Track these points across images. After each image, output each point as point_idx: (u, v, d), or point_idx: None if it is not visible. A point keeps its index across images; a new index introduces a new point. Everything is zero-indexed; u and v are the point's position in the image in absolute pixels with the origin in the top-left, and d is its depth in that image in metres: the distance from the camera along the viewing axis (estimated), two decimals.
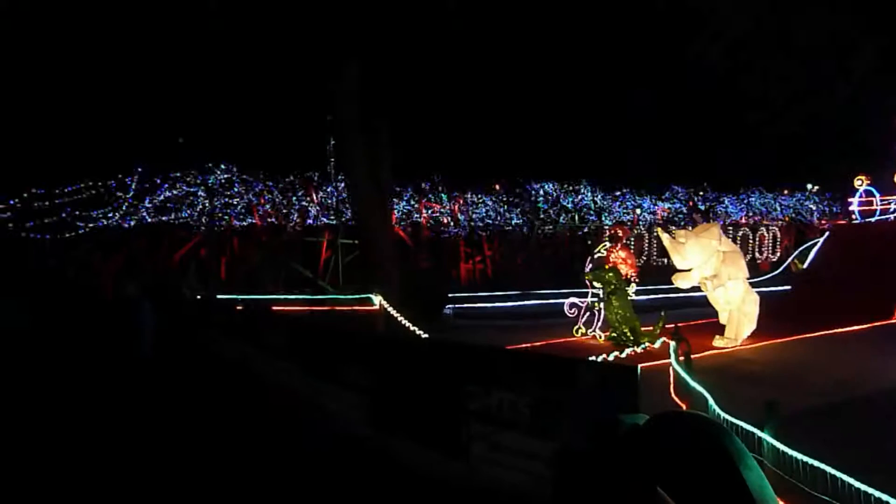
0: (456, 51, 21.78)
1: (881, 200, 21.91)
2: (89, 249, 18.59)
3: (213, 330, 12.48)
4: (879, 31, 24.66)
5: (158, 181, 19.57)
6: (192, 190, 19.86)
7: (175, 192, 19.72)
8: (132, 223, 19.40)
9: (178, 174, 19.81)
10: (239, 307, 12.69)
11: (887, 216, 21.66)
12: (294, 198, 21.36)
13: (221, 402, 8.62)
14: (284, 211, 21.19)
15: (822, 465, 4.17)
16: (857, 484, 3.87)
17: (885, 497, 3.65)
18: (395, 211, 22.17)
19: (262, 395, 9.31)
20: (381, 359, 7.70)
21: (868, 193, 22.09)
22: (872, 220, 21.81)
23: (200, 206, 19.94)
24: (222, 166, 20.37)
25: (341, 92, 16.01)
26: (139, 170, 19.30)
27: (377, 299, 14.29)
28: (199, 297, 15.82)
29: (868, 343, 12.96)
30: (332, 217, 21.78)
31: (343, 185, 19.97)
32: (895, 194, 21.74)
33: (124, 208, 19.17)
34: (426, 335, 12.64)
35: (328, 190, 21.86)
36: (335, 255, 21.44)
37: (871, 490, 3.78)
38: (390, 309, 13.90)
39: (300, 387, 9.15)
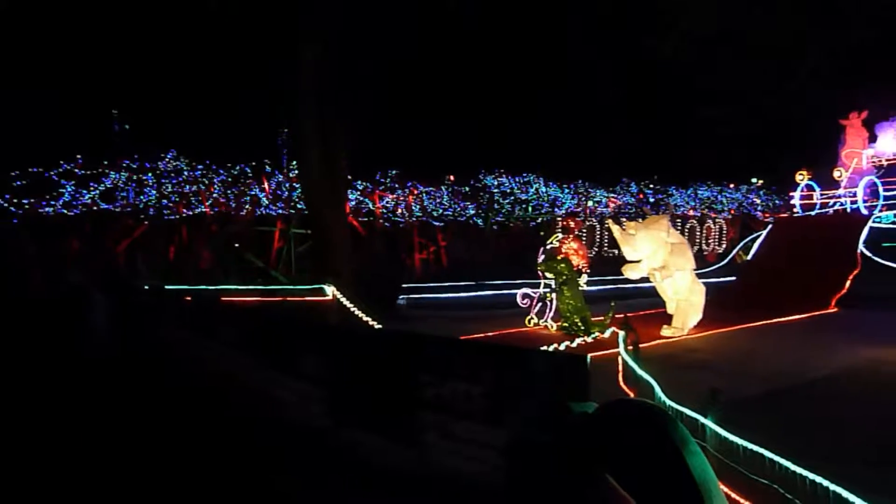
0: (413, 41, 21.71)
1: (821, 195, 22.71)
2: (22, 238, 17.89)
3: (161, 322, 12.19)
4: (824, 31, 25.52)
5: (103, 168, 18.96)
6: (140, 177, 19.30)
7: (121, 179, 19.13)
8: (77, 211, 18.77)
9: (126, 161, 19.23)
10: (188, 298, 12.40)
11: (826, 210, 22.48)
12: (245, 187, 20.96)
13: (171, 398, 8.43)
14: (235, 200, 20.78)
15: (761, 450, 4.33)
16: (793, 467, 4.03)
17: (818, 479, 3.81)
18: (350, 201, 22.00)
19: (214, 388, 9.14)
20: (335, 350, 7.65)
21: (809, 188, 22.85)
22: (812, 213, 22.61)
23: (148, 195, 19.40)
24: (171, 153, 19.86)
25: (296, 80, 15.75)
26: (80, 159, 18.66)
27: (330, 290, 14.18)
28: (146, 287, 15.42)
29: (808, 332, 13.48)
30: (285, 206, 21.47)
31: (296, 173, 19.70)
32: (834, 189, 22.57)
33: (67, 196, 18.52)
34: (380, 326, 12.61)
35: (281, 179, 21.53)
36: (288, 245, 21.17)
37: (806, 472, 3.95)
38: (344, 299, 13.81)
39: (253, 379, 9.03)
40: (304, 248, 20.76)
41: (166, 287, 13.55)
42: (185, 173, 20.01)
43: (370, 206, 23.47)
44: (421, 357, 6.44)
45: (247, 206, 20.95)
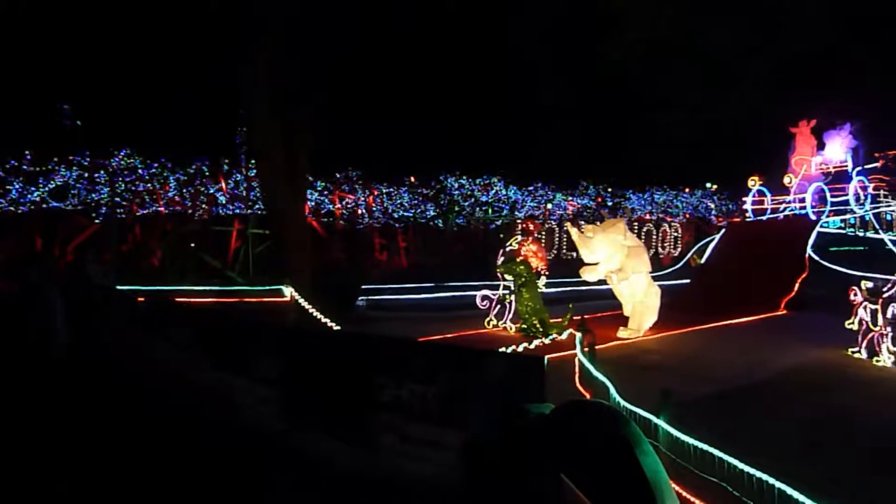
0: (373, 41, 21.63)
1: (772, 200, 23.34)
2: None
3: (112, 322, 11.87)
4: (771, 40, 26.30)
5: (53, 165, 18.38)
6: (92, 175, 18.76)
7: (72, 177, 18.56)
8: (26, 209, 18.15)
9: (77, 158, 18.67)
10: (141, 298, 12.10)
11: (777, 215, 23.12)
12: (202, 185, 20.56)
13: (117, 400, 8.22)
14: (191, 198, 20.37)
15: (711, 449, 4.43)
16: (741, 465, 4.13)
17: (764, 476, 3.92)
18: (309, 201, 21.77)
19: (165, 389, 8.94)
20: (291, 351, 7.55)
21: (760, 193, 23.45)
22: (764, 218, 23.23)
23: (100, 193, 18.87)
24: (124, 151, 19.36)
25: (253, 75, 15.51)
26: (28, 155, 18.05)
27: (288, 290, 14.00)
28: (97, 287, 15.00)
29: (758, 334, 13.85)
30: (243, 206, 21.14)
31: (255, 172, 19.40)
32: (784, 194, 23.22)
33: (14, 194, 17.90)
34: (338, 327, 12.51)
35: (239, 178, 21.19)
36: (245, 245, 20.85)
37: (753, 471, 4.05)
38: (302, 300, 13.65)
39: (206, 380, 8.85)
40: (262, 248, 20.46)
41: (118, 287, 13.21)
42: (140, 171, 19.51)
43: (330, 206, 23.27)
44: (378, 359, 6.40)
45: (203, 206, 20.55)
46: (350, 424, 6.44)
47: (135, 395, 8.45)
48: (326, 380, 6.77)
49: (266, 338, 8.24)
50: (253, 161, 19.36)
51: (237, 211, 21.16)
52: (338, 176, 23.48)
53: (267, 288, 14.48)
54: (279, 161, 15.91)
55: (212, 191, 20.73)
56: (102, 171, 18.89)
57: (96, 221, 18.98)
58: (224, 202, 20.96)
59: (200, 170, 20.54)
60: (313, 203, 22.55)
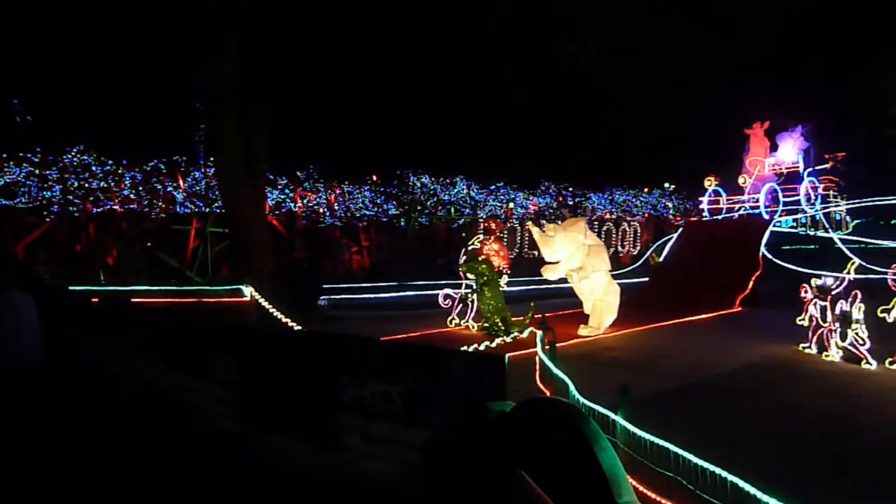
0: (335, 39, 21.49)
1: (727, 200, 23.88)
2: None
3: (64, 324, 11.55)
4: (726, 44, 26.96)
5: (1, 162, 17.77)
6: (43, 172, 18.20)
7: (21, 174, 17.98)
8: None
9: (28, 154, 18.08)
10: (94, 299, 11.81)
11: (732, 214, 23.67)
12: (159, 183, 20.14)
13: (74, 405, 7.99)
14: (148, 196, 19.93)
15: (666, 444, 4.52)
16: (695, 459, 4.23)
17: (717, 470, 4.02)
18: (269, 199, 21.52)
19: (121, 391, 8.74)
20: (251, 351, 7.46)
21: (716, 193, 23.97)
22: (719, 217, 23.76)
23: (52, 191, 18.33)
24: (77, 147, 18.84)
25: (213, 72, 15.25)
26: None
27: (248, 290, 13.82)
28: (49, 287, 14.59)
29: (714, 330, 14.16)
30: (202, 204, 20.78)
31: (213, 170, 19.08)
32: (739, 194, 23.79)
33: None
34: (299, 327, 12.40)
35: (197, 176, 20.82)
36: (204, 244, 20.51)
37: (706, 464, 4.15)
38: (262, 300, 13.49)
39: (165, 383, 8.70)
40: (221, 247, 20.16)
41: (71, 287, 12.87)
42: (93, 168, 19.01)
43: (291, 205, 23.04)
44: (340, 358, 6.38)
45: (160, 204, 20.14)
46: (312, 425, 6.40)
47: (87, 398, 8.23)
48: (287, 380, 6.72)
49: (225, 338, 8.13)
50: (211, 159, 19.05)
51: (196, 209, 20.79)
52: (299, 174, 23.27)
53: (226, 287, 14.27)
54: (238, 159, 15.69)
55: (169, 189, 20.33)
56: (54, 169, 18.35)
57: (47, 220, 18.45)
58: (182, 200, 20.57)
59: (157, 167, 20.12)
60: (274, 202, 22.31)
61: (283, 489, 5.68)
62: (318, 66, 22.70)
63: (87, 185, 18.83)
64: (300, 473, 5.99)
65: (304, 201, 23.35)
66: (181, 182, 20.47)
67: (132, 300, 12.34)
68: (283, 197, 22.79)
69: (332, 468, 5.99)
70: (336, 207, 23.85)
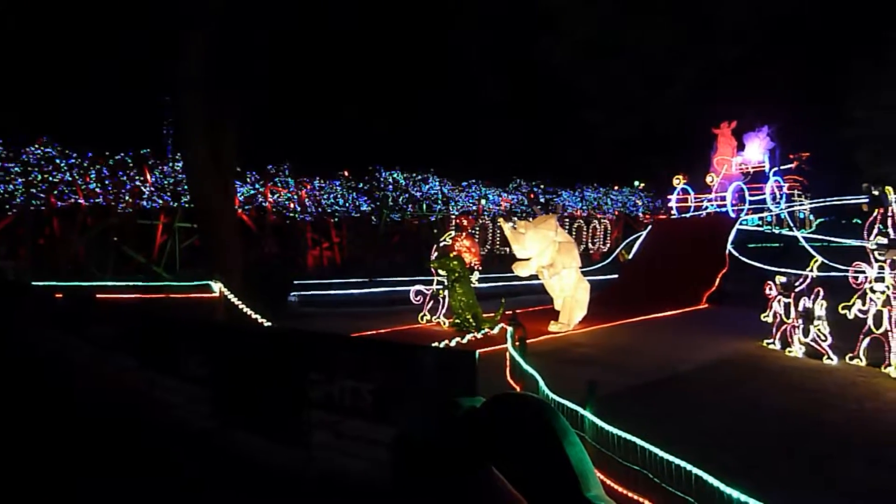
0: (308, 34, 21.31)
1: (695, 198, 24.27)
2: None
3: (26, 321, 11.30)
4: (695, 45, 27.38)
5: None
6: (4, 165, 17.75)
7: None
8: None
9: None
10: (59, 295, 11.57)
11: (700, 212, 24.06)
12: (125, 177, 19.78)
13: (39, 404, 7.84)
14: (114, 191, 19.56)
15: (633, 438, 4.59)
16: (661, 453, 4.31)
17: (681, 463, 4.10)
18: (239, 194, 21.27)
19: (87, 389, 8.59)
20: (220, 348, 7.38)
21: (684, 191, 24.35)
22: (687, 215, 24.13)
23: (14, 184, 17.89)
24: (42, 140, 18.41)
25: (181, 66, 15.00)
26: None
27: (217, 286, 13.66)
28: (10, 283, 14.25)
29: (681, 327, 14.39)
30: (171, 199, 20.47)
31: (181, 164, 18.79)
32: (707, 193, 24.19)
33: None
34: (269, 323, 12.29)
35: (165, 170, 20.49)
36: (172, 240, 20.21)
37: (670, 457, 4.23)
38: (231, 296, 13.34)
39: (133, 380, 8.56)
40: (189, 242, 19.88)
41: (34, 283, 12.59)
42: (58, 161, 18.59)
43: (261, 200, 22.81)
44: (309, 355, 6.34)
45: (127, 198, 19.79)
46: (282, 422, 6.35)
47: (53, 396, 8.08)
48: (257, 377, 6.66)
49: (195, 335, 8.03)
50: (179, 154, 18.77)
51: (163, 203, 20.47)
52: (270, 169, 23.05)
53: (194, 283, 14.08)
54: (207, 153, 15.45)
55: (136, 183, 19.98)
56: (16, 161, 17.91)
57: (9, 214, 18.01)
58: (149, 195, 20.24)
59: (123, 161, 19.75)
60: (244, 197, 22.07)
61: (254, 486, 5.64)
62: (291, 61, 22.51)
63: (50, 178, 18.42)
64: (270, 471, 5.95)
65: (275, 197, 23.13)
66: (148, 176, 20.13)
67: (98, 296, 12.12)
68: (253, 192, 22.55)
69: (301, 465, 5.96)
70: (307, 203, 23.68)
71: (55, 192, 18.54)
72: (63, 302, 11.42)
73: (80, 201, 19.04)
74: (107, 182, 19.43)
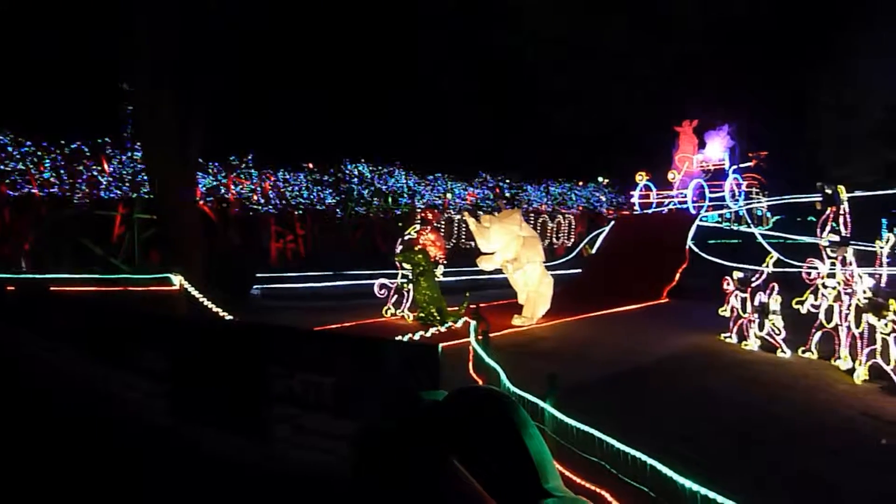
0: (274, 21, 21.01)
1: (657, 194, 24.64)
2: None
3: None
4: (657, 43, 27.80)
5: None
6: None
7: None
8: None
9: None
10: (10, 287, 11.22)
11: (662, 209, 24.44)
12: (82, 167, 19.26)
13: None
14: (70, 180, 19.04)
15: (591, 430, 4.67)
16: (618, 444, 4.39)
17: (638, 454, 4.18)
18: (201, 185, 20.91)
19: (38, 388, 8.37)
20: (179, 342, 7.25)
21: (647, 188, 24.70)
22: (649, 211, 24.49)
23: None
24: None
25: (134, 49, 14.65)
26: None
27: (177, 279, 13.43)
28: None
29: (642, 321, 14.63)
30: (129, 189, 20.01)
31: (141, 154, 18.37)
32: (668, 189, 24.58)
33: None
34: (230, 317, 12.13)
35: (123, 159, 20.01)
36: (130, 231, 19.76)
37: (628, 449, 4.31)
38: (192, 289, 13.13)
39: (87, 376, 8.36)
40: (149, 234, 19.46)
41: None
42: (9, 149, 18.01)
43: (223, 191, 22.45)
44: (271, 348, 6.28)
45: (83, 188, 19.29)
46: (242, 416, 6.28)
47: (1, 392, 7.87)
48: (217, 371, 6.57)
49: (153, 328, 7.87)
50: (139, 143, 18.34)
51: (121, 194, 20.01)
52: (232, 160, 22.70)
53: (154, 276, 13.81)
54: (167, 142, 15.15)
55: (93, 172, 19.49)
56: None
57: None
58: (106, 185, 19.75)
59: (80, 149, 19.24)
60: (205, 188, 21.70)
61: (213, 481, 5.57)
62: (256, 52, 22.17)
63: (2, 167, 17.85)
64: (230, 466, 5.89)
65: (238, 188, 22.80)
66: (106, 166, 19.65)
67: (52, 288, 11.80)
68: (215, 183, 22.18)
69: (262, 460, 5.91)
70: (271, 195, 23.40)
71: (7, 181, 17.97)
72: (15, 294, 11.09)
73: (34, 191, 18.49)
74: (62, 171, 18.91)
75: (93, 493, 5.39)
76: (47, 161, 18.64)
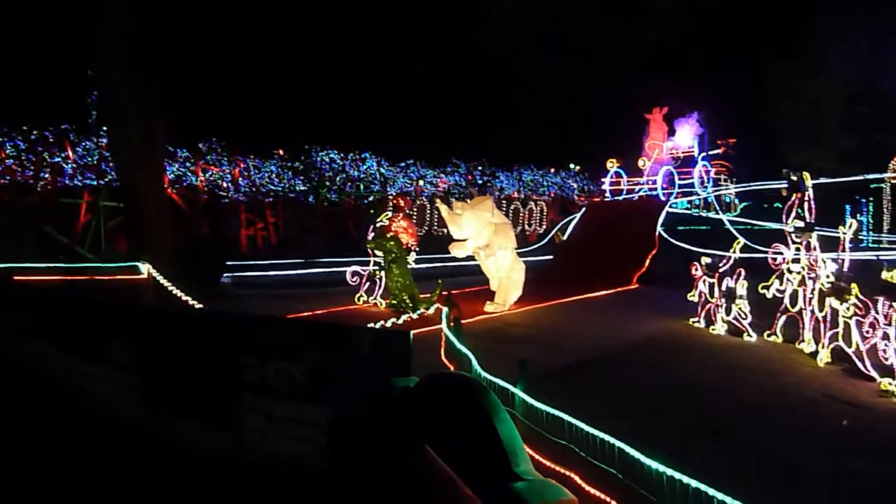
0: (242, 9, 20.66)
1: (628, 181, 24.87)
2: None
3: None
4: (628, 31, 27.96)
5: None
6: None
7: None
8: None
9: None
10: None
11: (632, 195, 24.68)
12: (45, 153, 18.81)
13: None
14: (33, 168, 18.59)
15: (560, 414, 4.73)
16: (587, 428, 4.46)
17: (606, 437, 4.25)
18: (169, 172, 20.56)
19: (4, 382, 8.20)
20: (148, 332, 7.16)
21: (617, 175, 24.89)
22: (620, 198, 24.72)
23: None
24: None
25: (102, 33, 14.31)
26: None
27: (145, 267, 13.22)
28: None
29: (612, 306, 14.80)
30: (95, 176, 19.60)
31: (107, 141, 17.99)
32: (639, 176, 24.82)
33: None
34: (200, 305, 12.00)
35: (89, 146, 19.59)
36: (96, 219, 19.39)
37: (596, 432, 4.38)
38: (160, 278, 12.94)
39: (55, 368, 8.22)
40: (115, 222, 19.12)
41: None
42: None
43: (192, 178, 22.12)
44: (241, 337, 6.23)
45: (47, 175, 18.85)
46: (213, 406, 6.24)
47: None
48: (187, 361, 6.50)
49: (120, 318, 7.76)
50: (105, 128, 17.95)
51: (87, 181, 19.60)
52: (201, 147, 22.35)
53: (121, 265, 13.58)
54: (134, 128, 14.86)
55: (56, 159, 19.05)
56: None
57: None
58: (71, 172, 19.33)
59: (43, 135, 18.78)
60: (173, 175, 21.36)
61: (185, 473, 5.53)
62: (225, 37, 21.79)
63: None
64: (202, 456, 5.85)
65: (207, 175, 22.47)
66: (70, 152, 19.22)
67: (15, 278, 11.55)
68: (183, 170, 21.83)
69: (235, 450, 5.88)
70: (240, 182, 23.11)
71: None
72: None
73: None
74: (25, 158, 18.45)
75: (56, 489, 5.30)
76: (9, 147, 18.17)
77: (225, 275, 17.06)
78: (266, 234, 24.12)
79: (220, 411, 6.16)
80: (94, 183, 19.58)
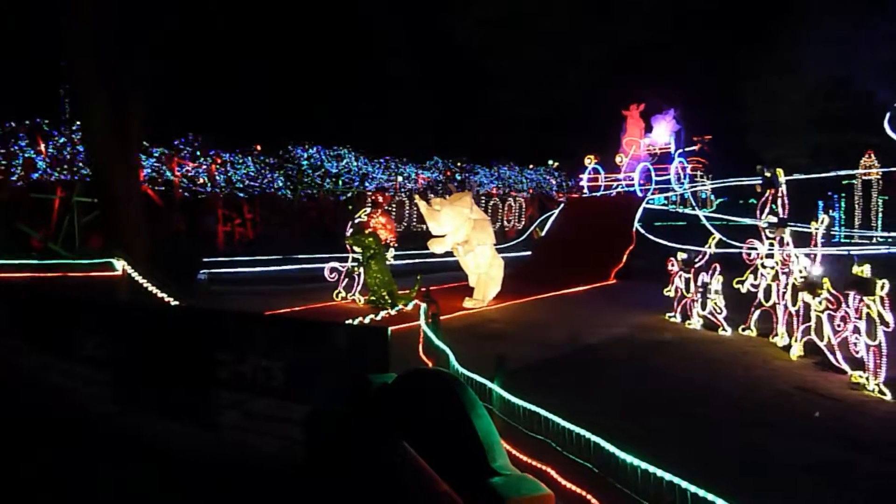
0: (217, 5, 20.42)
1: (605, 177, 25.02)
2: None
3: None
4: (605, 29, 28.11)
5: None
6: None
7: None
8: None
9: None
10: None
11: (610, 192, 24.84)
12: (17, 148, 18.46)
13: None
14: (4, 163, 18.24)
15: (537, 409, 4.76)
16: (563, 423, 4.48)
17: (582, 431, 4.28)
18: (144, 168, 20.28)
19: None
20: (122, 328, 7.07)
21: (595, 171, 25.03)
22: (598, 194, 24.86)
23: None
24: None
25: (76, 25, 14.06)
26: None
27: (120, 264, 13.05)
28: None
29: (590, 302, 14.89)
30: (68, 171, 19.27)
31: (81, 136, 17.69)
32: (616, 173, 24.98)
33: None
34: (175, 302, 11.87)
35: (61, 141, 19.25)
36: (70, 215, 19.08)
37: (572, 427, 4.41)
38: (135, 274, 12.78)
39: (25, 364, 8.10)
40: (90, 218, 18.82)
41: None
42: None
43: (168, 174, 21.84)
44: (217, 334, 6.19)
45: (19, 171, 18.50)
46: (189, 403, 6.18)
47: None
48: (162, 358, 6.44)
49: (94, 314, 7.66)
50: (78, 122, 17.65)
51: (60, 176, 19.26)
52: (177, 142, 22.08)
53: (95, 261, 13.39)
54: (108, 123, 14.64)
55: (29, 153, 18.69)
56: None
57: None
58: (44, 167, 18.98)
59: (15, 130, 18.41)
60: (149, 170, 21.07)
61: (162, 470, 5.47)
62: (201, 31, 21.53)
63: None
64: (178, 454, 5.79)
65: (183, 171, 22.21)
66: (42, 147, 18.88)
67: None
68: (159, 166, 21.55)
69: (211, 447, 5.83)
70: (217, 178, 22.87)
71: None
72: None
73: None
74: None
75: (16, 491, 5.20)
76: None
77: (201, 272, 16.90)
78: (243, 231, 23.92)
79: (196, 408, 6.11)
80: (69, 178, 19.26)
